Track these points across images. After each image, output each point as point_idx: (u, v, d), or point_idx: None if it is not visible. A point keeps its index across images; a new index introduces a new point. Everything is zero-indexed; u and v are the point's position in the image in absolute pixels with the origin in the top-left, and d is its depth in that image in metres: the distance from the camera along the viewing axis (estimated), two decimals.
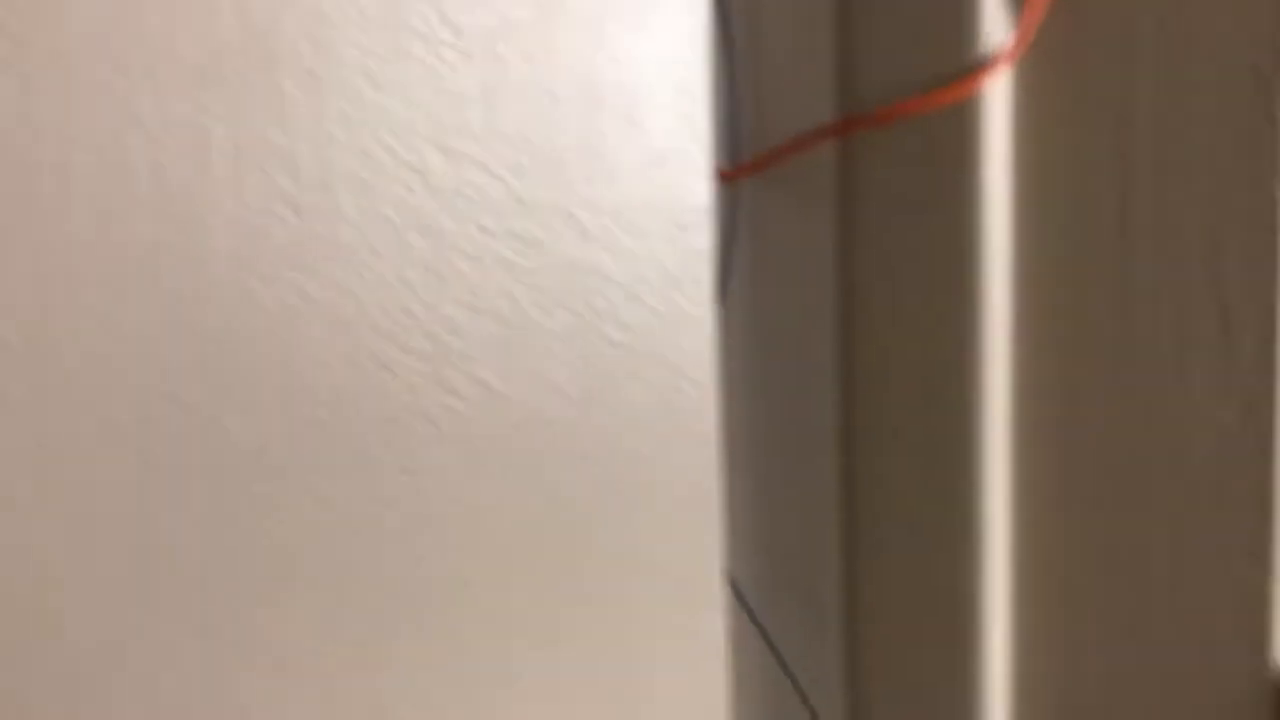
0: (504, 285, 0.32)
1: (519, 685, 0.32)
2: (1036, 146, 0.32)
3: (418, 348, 0.31)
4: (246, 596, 0.29)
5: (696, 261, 0.34)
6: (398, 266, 0.30)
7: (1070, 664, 0.34)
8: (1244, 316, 0.30)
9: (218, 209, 0.28)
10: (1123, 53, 0.31)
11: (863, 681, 0.36)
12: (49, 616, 0.26)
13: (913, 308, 0.34)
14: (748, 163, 0.35)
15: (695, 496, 0.35)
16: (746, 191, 0.35)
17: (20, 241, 0.26)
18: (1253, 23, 0.29)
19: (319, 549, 0.30)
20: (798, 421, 0.37)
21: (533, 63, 0.30)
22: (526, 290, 0.32)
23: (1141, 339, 0.32)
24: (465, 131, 0.31)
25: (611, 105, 0.32)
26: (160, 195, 0.27)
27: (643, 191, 0.33)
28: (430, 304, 0.31)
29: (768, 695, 0.37)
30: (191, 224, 0.28)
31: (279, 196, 0.29)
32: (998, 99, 0.32)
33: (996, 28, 0.31)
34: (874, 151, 0.34)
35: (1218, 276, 0.30)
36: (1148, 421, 0.32)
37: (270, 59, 0.28)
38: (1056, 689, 0.34)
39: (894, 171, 0.33)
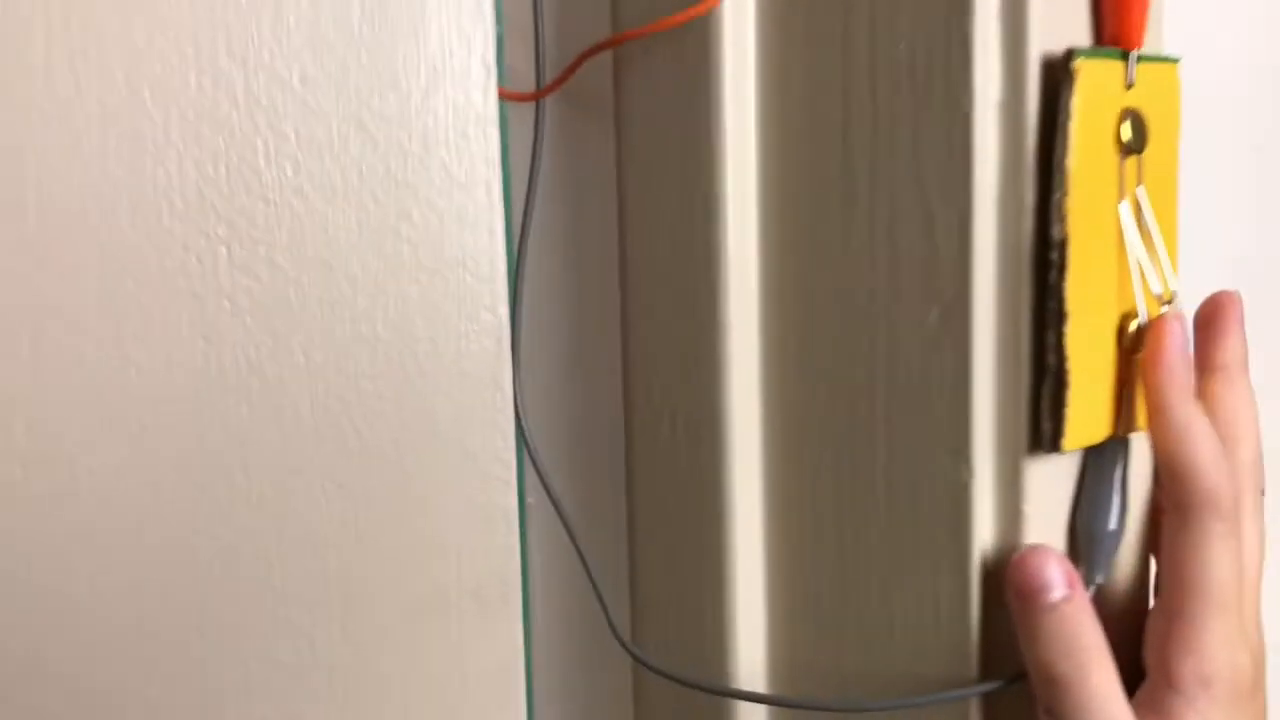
0: (295, 183, 0.36)
1: (309, 540, 0.37)
2: (776, 64, 0.35)
3: (218, 233, 0.35)
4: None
5: (485, 169, 0.38)
6: (198, 162, 0.35)
7: (812, 551, 0.36)
8: (944, 222, 0.32)
9: (33, 105, 0.33)
10: None
11: (639, 550, 0.40)
12: None
13: (668, 211, 0.36)
14: (546, 86, 0.38)
15: (487, 381, 0.38)
16: (547, 112, 0.39)
17: None
18: None
19: (120, 405, 0.34)
20: (586, 318, 0.40)
21: None
22: (316, 188, 0.36)
23: (861, 248, 0.34)
24: (258, 42, 0.35)
25: (395, 20, 0.36)
26: None
27: (427, 102, 0.36)
28: (228, 196, 0.35)
29: (560, 564, 0.41)
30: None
31: (92, 93, 0.34)
32: (739, 15, 0.34)
33: None
34: (640, 68, 0.37)
35: (922, 183, 0.32)
36: (870, 323, 0.34)
37: None
38: (801, 570, 0.37)
39: (653, 85, 0.36)
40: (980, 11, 0.31)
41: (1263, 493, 0.36)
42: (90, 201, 0.34)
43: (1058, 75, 0.31)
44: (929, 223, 0.32)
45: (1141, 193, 0.33)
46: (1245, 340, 0.36)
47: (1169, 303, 0.33)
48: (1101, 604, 0.34)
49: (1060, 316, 0.31)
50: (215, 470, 0.36)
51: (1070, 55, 0.31)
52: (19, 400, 0.33)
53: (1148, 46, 0.34)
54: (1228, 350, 0.36)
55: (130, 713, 0.34)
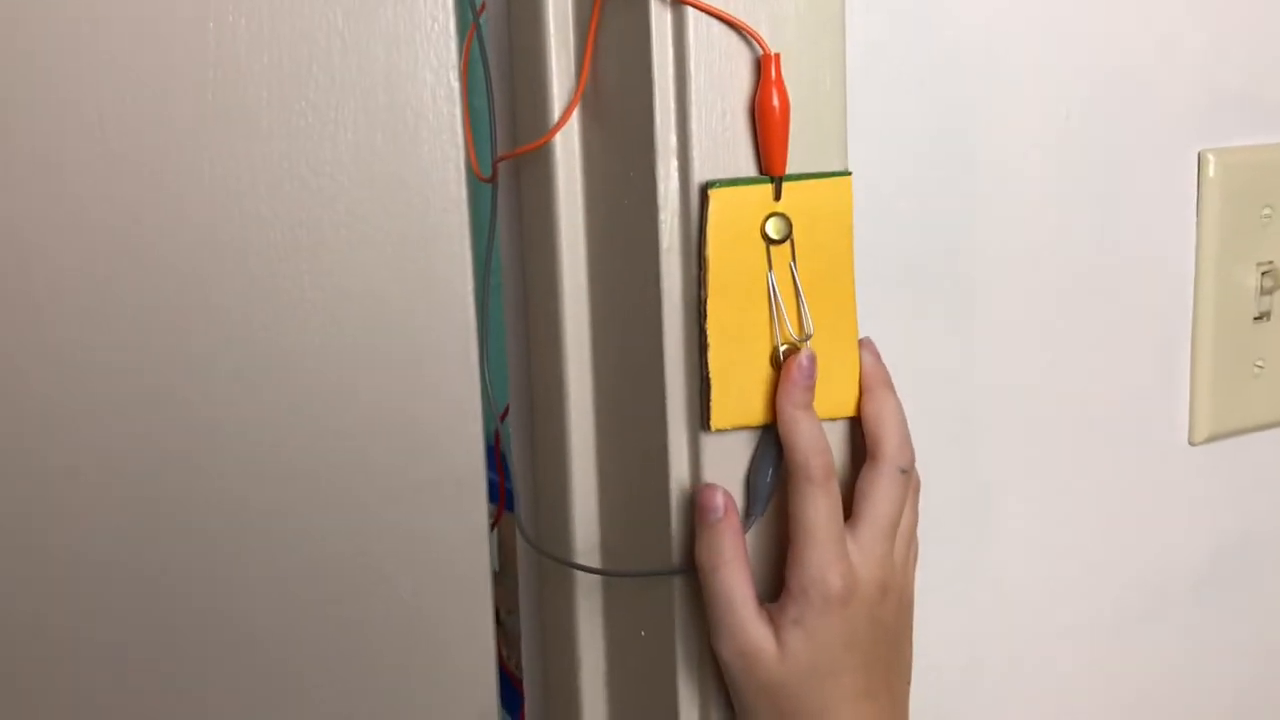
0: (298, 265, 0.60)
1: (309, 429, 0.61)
2: (589, 174, 0.55)
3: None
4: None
5: (459, 231, 0.60)
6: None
7: (615, 470, 0.57)
8: (647, 286, 0.51)
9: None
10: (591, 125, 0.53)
11: (538, 461, 0.62)
12: None
13: (546, 256, 0.58)
14: (492, 173, 0.60)
15: (458, 389, 0.61)
16: (499, 194, 0.61)
17: None
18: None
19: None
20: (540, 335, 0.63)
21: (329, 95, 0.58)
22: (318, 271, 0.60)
23: (625, 297, 0.54)
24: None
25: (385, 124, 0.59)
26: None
27: (416, 189, 0.59)
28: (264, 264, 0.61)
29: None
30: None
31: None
32: (567, 148, 0.55)
33: (563, 92, 0.55)
34: (522, 180, 0.58)
35: (643, 257, 0.52)
36: (629, 338, 0.54)
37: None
38: (611, 485, 0.57)
39: (524, 197, 0.58)
40: (661, 155, 0.50)
41: (903, 471, 0.52)
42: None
43: (705, 197, 0.49)
44: (644, 284, 0.52)
45: (794, 267, 0.50)
46: (880, 365, 0.52)
47: (806, 339, 0.51)
48: (762, 532, 0.52)
49: (704, 346, 0.50)
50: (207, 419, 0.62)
51: (707, 185, 0.49)
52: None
53: (825, 166, 0.51)
54: (867, 376, 0.52)
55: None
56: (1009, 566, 0.69)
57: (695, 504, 0.52)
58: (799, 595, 0.50)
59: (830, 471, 0.50)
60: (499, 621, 0.78)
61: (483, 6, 0.61)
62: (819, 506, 0.50)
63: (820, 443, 0.50)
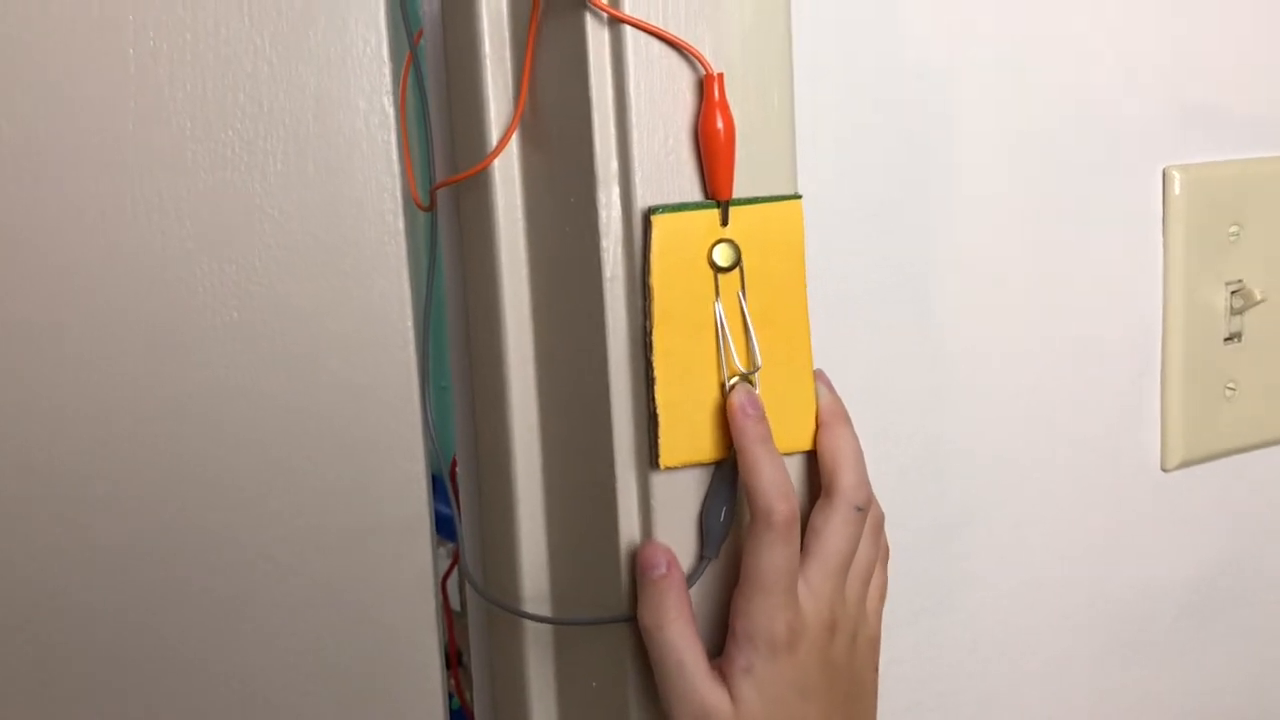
0: (225, 301, 0.57)
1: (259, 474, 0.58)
2: (528, 197, 0.52)
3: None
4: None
5: (397, 262, 0.57)
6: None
7: (560, 514, 0.54)
8: (591, 317, 0.49)
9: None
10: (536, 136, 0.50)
11: (483, 509, 0.59)
12: None
13: (486, 282, 0.55)
14: (430, 202, 0.58)
15: (398, 409, 0.58)
16: (440, 223, 0.58)
17: None
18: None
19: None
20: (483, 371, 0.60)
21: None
22: (248, 308, 0.57)
23: (574, 336, 0.51)
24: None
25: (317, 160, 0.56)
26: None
27: (350, 220, 0.57)
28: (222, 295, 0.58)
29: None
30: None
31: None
32: (506, 174, 0.53)
33: (501, 117, 0.52)
34: (462, 209, 0.56)
35: (584, 290, 0.49)
36: (575, 373, 0.51)
37: None
38: (558, 527, 0.54)
39: (464, 226, 0.55)
40: (602, 181, 0.47)
41: (858, 509, 0.50)
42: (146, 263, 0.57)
43: (648, 223, 0.47)
44: (588, 315, 0.49)
45: (743, 295, 0.48)
46: (835, 398, 0.50)
47: (756, 371, 0.48)
48: (715, 577, 0.50)
49: (650, 380, 0.47)
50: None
51: (650, 211, 0.47)
52: None
53: (774, 190, 0.49)
54: (823, 410, 0.50)
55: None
56: (981, 601, 0.67)
57: (636, 561, 0.49)
58: (745, 643, 0.48)
59: (794, 518, 0.47)
60: (460, 663, 0.75)
61: (420, 32, 0.59)
62: (777, 555, 0.47)
63: (784, 486, 0.47)
